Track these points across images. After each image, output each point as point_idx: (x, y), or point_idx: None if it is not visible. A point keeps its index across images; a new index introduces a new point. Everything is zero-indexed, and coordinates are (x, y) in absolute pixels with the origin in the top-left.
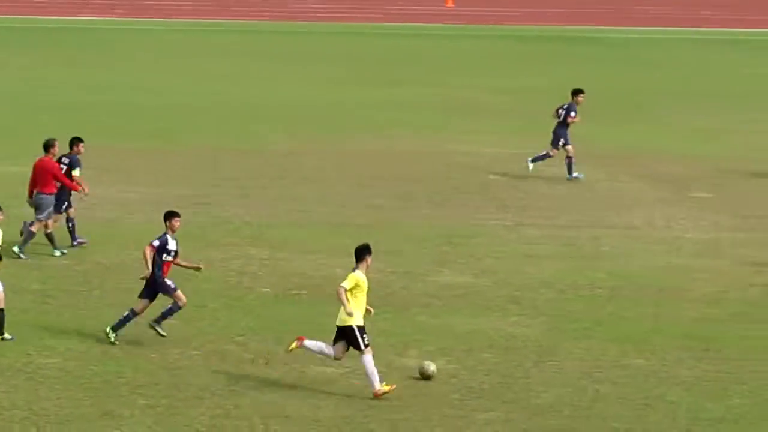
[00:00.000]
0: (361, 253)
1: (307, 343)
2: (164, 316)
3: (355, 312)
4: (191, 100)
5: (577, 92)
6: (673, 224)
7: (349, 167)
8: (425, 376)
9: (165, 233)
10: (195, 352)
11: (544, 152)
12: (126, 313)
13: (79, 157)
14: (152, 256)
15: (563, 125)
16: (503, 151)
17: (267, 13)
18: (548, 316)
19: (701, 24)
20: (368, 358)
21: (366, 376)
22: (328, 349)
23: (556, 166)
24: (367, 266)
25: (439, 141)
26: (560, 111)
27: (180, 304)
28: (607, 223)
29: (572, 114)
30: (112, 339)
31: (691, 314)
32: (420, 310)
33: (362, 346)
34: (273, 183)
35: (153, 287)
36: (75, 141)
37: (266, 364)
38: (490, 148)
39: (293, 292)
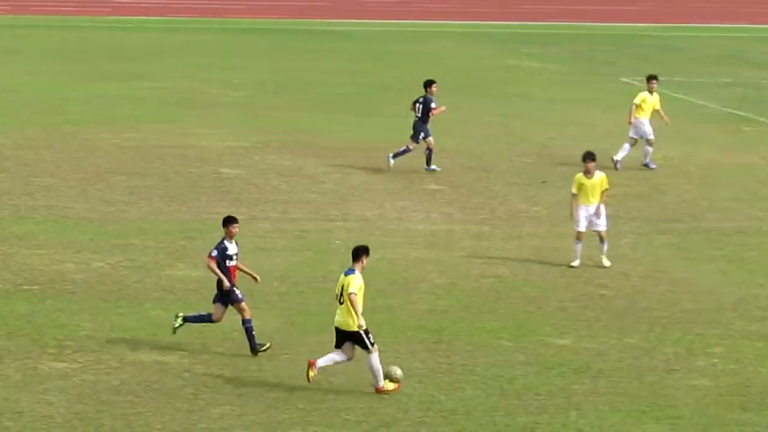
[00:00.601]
0: (358, 253)
1: (320, 362)
2: (195, 319)
3: (357, 316)
4: None
5: (429, 83)
6: (405, 216)
7: (84, 162)
8: (392, 380)
9: (223, 239)
10: None
11: (404, 147)
12: (203, 313)
13: None
14: (216, 265)
15: (424, 119)
16: (237, 144)
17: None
18: (281, 309)
19: (431, 18)
20: (375, 356)
21: (371, 372)
22: (340, 356)
23: (294, 158)
24: (363, 267)
25: (173, 135)
26: (417, 105)
27: (245, 316)
28: (340, 216)
29: (432, 105)
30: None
31: (423, 306)
32: (154, 304)
33: (370, 347)
34: (3, 177)
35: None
36: None
37: None
38: (223, 143)
39: (24, 287)
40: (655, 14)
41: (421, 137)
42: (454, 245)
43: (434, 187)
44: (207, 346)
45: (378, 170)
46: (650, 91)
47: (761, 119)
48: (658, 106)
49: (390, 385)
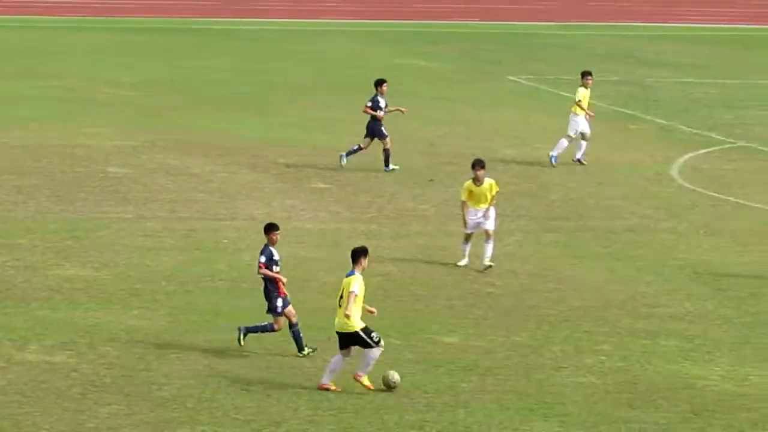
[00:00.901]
0: (356, 254)
1: (325, 382)
2: (255, 329)
3: (354, 315)
4: None
5: (380, 83)
6: (293, 215)
7: None
8: (390, 386)
9: (266, 246)
10: None
11: (357, 146)
12: (265, 323)
13: None
14: (267, 269)
15: (375, 118)
16: (125, 144)
17: None
18: (170, 309)
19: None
20: (377, 351)
21: (362, 359)
22: (339, 363)
23: (182, 157)
24: (363, 268)
25: (62, 134)
26: (368, 105)
27: (277, 327)
28: (228, 215)
29: (381, 105)
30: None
31: (312, 305)
32: (41, 304)
33: (373, 345)
34: None
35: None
36: None
37: None
38: (111, 142)
39: None
40: (545, 13)
41: (374, 137)
42: (343, 244)
43: (322, 185)
44: (94, 346)
45: (266, 169)
46: (585, 86)
47: (647, 117)
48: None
49: (366, 381)
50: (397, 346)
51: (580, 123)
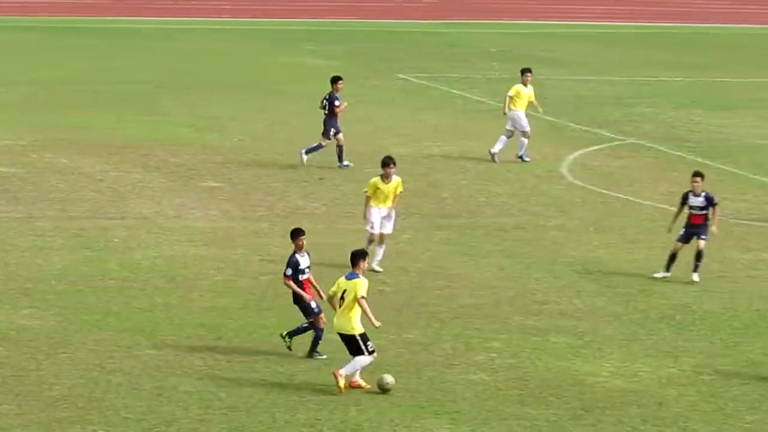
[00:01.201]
0: (355, 258)
1: (355, 379)
2: (297, 331)
3: (356, 320)
4: None
5: (335, 80)
6: (183, 214)
7: None
8: (384, 389)
9: (294, 253)
10: None
11: (317, 144)
12: (305, 324)
13: None
14: (293, 283)
15: (331, 115)
16: (13, 143)
17: None
18: (60, 308)
19: (215, 14)
20: (367, 359)
21: (350, 361)
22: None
23: (72, 156)
24: (362, 271)
25: None
26: (324, 102)
27: (319, 325)
28: (118, 214)
29: (336, 103)
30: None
31: (203, 304)
32: None
33: (366, 354)
34: None
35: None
36: None
37: None
38: (0, 141)
39: None
40: (434, 11)
41: (332, 133)
42: (233, 242)
43: (213, 184)
44: None
45: (156, 168)
46: (524, 84)
47: (536, 114)
48: (533, 98)
49: (342, 382)
50: (288, 344)
51: (519, 119)
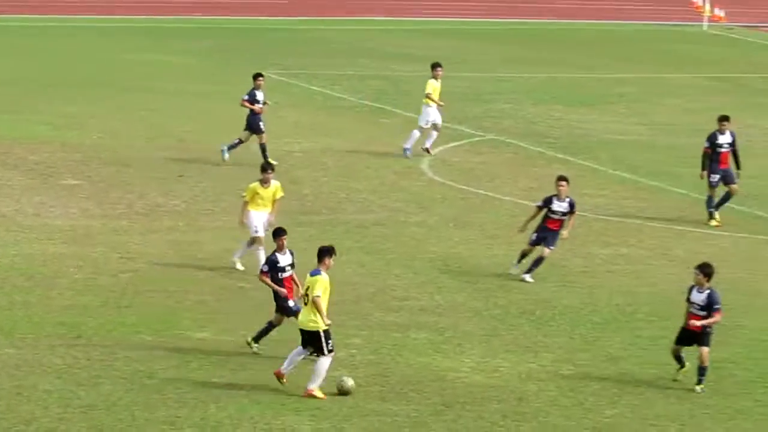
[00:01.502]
0: (321, 254)
1: (285, 369)
2: (260, 334)
3: (320, 315)
4: None
5: (256, 76)
6: (42, 212)
7: None
8: (343, 392)
9: (274, 252)
10: None
11: (238, 140)
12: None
13: None
14: (270, 279)
15: (254, 112)
16: None
17: None
18: None
19: (86, 12)
20: (327, 360)
21: (313, 372)
22: (299, 355)
23: None
24: (327, 267)
25: None
26: (245, 99)
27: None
28: None
29: (259, 98)
30: (255, 349)
31: (62, 302)
32: None
33: (326, 352)
34: None
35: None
36: None
37: None
38: None
39: None
40: (290, 8)
41: (253, 131)
42: (93, 240)
43: (72, 182)
44: None
45: (15, 166)
46: (435, 78)
47: (398, 111)
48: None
49: (319, 393)
50: (148, 342)
51: (431, 113)
